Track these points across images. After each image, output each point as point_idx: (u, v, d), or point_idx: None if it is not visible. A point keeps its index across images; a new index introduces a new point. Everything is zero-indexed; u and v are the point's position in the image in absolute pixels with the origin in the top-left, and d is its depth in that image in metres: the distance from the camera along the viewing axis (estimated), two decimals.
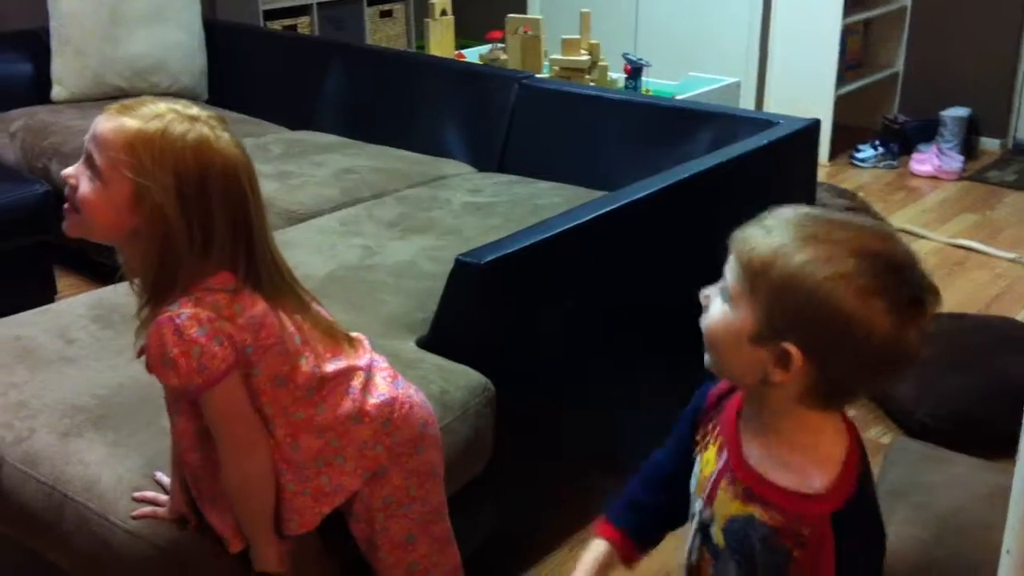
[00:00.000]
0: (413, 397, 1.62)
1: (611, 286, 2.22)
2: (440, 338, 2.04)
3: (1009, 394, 2.53)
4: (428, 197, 2.93)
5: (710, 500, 1.21)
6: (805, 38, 4.77)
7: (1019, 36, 4.82)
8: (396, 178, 3.12)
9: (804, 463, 1.14)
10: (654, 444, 1.38)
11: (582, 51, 3.83)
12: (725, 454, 1.20)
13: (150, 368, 1.41)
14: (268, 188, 2.79)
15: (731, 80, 4.13)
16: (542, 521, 2.29)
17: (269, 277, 1.45)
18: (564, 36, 3.85)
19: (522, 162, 3.23)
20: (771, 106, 4.87)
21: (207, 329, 1.36)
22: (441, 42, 4.25)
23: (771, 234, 1.08)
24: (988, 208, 4.33)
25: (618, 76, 3.98)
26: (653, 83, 4.00)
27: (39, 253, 3.06)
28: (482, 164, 3.30)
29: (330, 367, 1.52)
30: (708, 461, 1.23)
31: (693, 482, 1.26)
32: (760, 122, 2.84)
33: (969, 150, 4.78)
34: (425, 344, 2.06)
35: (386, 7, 5.42)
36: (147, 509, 1.58)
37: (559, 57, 3.83)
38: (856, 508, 1.13)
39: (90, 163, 1.37)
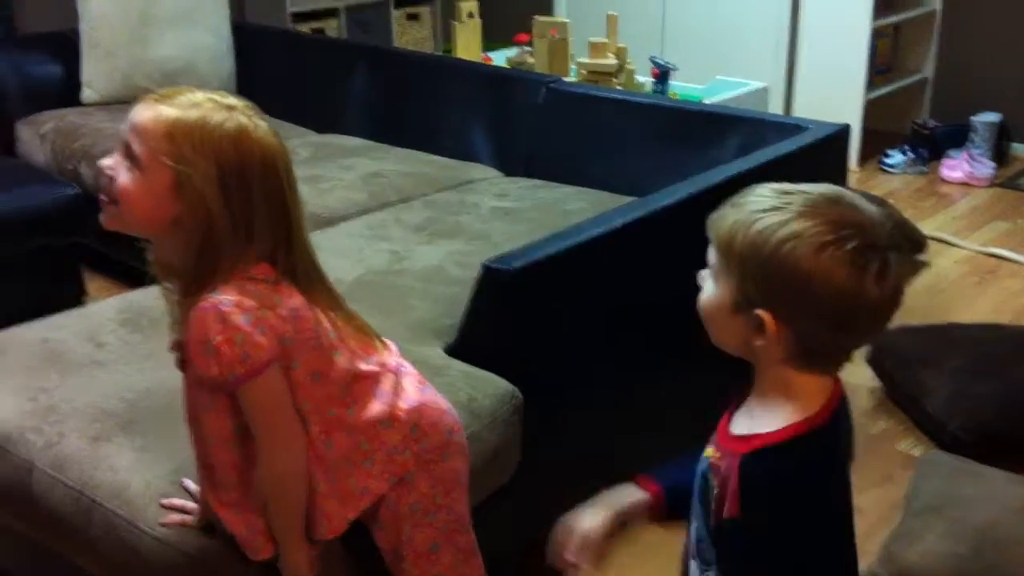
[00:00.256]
0: (441, 403, 1.61)
1: (639, 293, 2.21)
2: (467, 345, 2.03)
3: None
4: (455, 201, 2.92)
5: None
6: (834, 41, 4.74)
7: None
8: (423, 182, 3.12)
9: (764, 414, 1.18)
10: (684, 453, 1.37)
11: (609, 55, 3.82)
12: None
13: (190, 357, 1.39)
14: None
15: (759, 85, 4.11)
16: None
17: (305, 270, 1.45)
18: (591, 39, 3.84)
19: (548, 166, 3.22)
20: (799, 110, 4.84)
21: (251, 317, 1.35)
22: (468, 45, 4.25)
23: (736, 209, 1.14)
24: (1020, 216, 4.28)
25: (645, 80, 3.97)
26: (680, 87, 3.99)
27: (69, 255, 3.07)
28: (509, 168, 3.29)
29: (363, 365, 1.51)
30: None
31: None
32: (789, 127, 2.82)
33: (1000, 156, 4.72)
34: (452, 351, 2.05)
35: (413, 10, 5.42)
36: (176, 516, 1.58)
37: (586, 60, 3.82)
38: (769, 457, 1.15)
39: (128, 153, 1.36)
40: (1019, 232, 4.10)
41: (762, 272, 1.10)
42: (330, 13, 5.05)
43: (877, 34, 4.79)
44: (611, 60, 3.80)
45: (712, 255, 1.17)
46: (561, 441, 2.09)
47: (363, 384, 1.51)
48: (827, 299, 1.08)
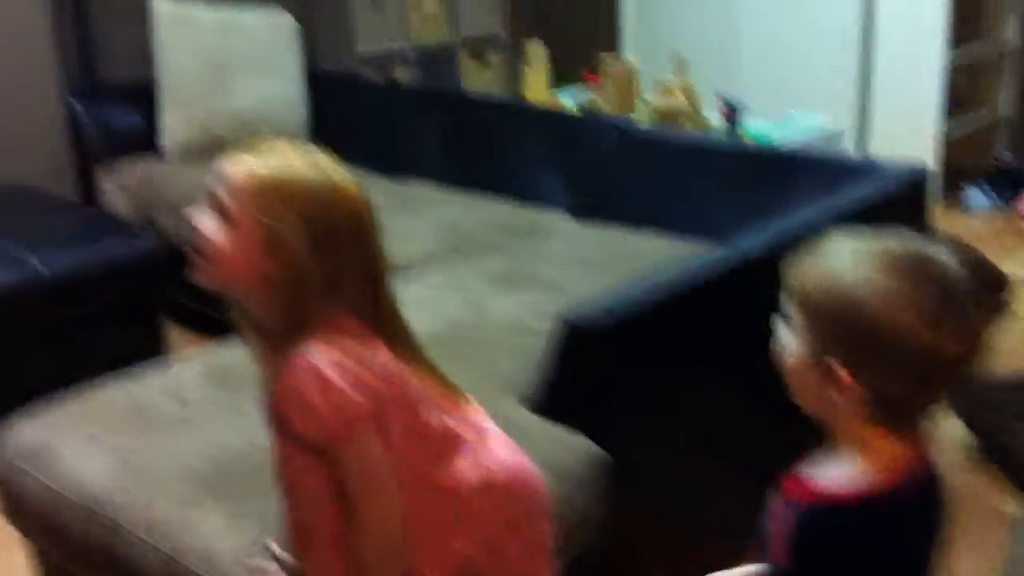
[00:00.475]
0: (526, 464, 1.59)
1: (726, 346, 2.17)
2: (549, 401, 2.01)
3: None
4: (529, 249, 2.92)
5: None
6: (909, 76, 4.66)
7: None
8: (496, 229, 3.12)
9: (834, 468, 1.17)
10: None
11: (677, 94, 3.80)
12: None
13: (283, 416, 1.38)
14: None
15: (832, 125, 4.06)
16: None
17: (391, 323, 1.44)
18: (660, 78, 3.83)
19: (620, 210, 3.20)
20: (873, 146, 4.76)
21: (346, 374, 1.33)
22: (537, 87, 4.26)
23: (813, 260, 1.15)
24: None
25: (715, 116, 3.94)
26: (751, 125, 3.95)
27: (149, 307, 3.10)
28: (581, 213, 3.28)
29: (450, 422, 1.50)
30: None
31: None
32: (865, 168, 2.77)
33: None
34: (534, 407, 2.03)
35: (481, 53, 5.45)
36: None
37: (654, 100, 3.81)
38: (829, 514, 1.14)
39: (219, 208, 1.36)
40: None
41: (838, 325, 1.10)
42: (399, 57, 5.09)
43: (953, 69, 4.71)
44: (681, 100, 3.78)
45: (789, 306, 1.17)
46: (649, 504, 2.05)
47: (451, 442, 1.50)
48: (904, 355, 1.08)
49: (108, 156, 3.77)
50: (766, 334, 2.18)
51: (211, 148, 3.84)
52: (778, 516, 1.19)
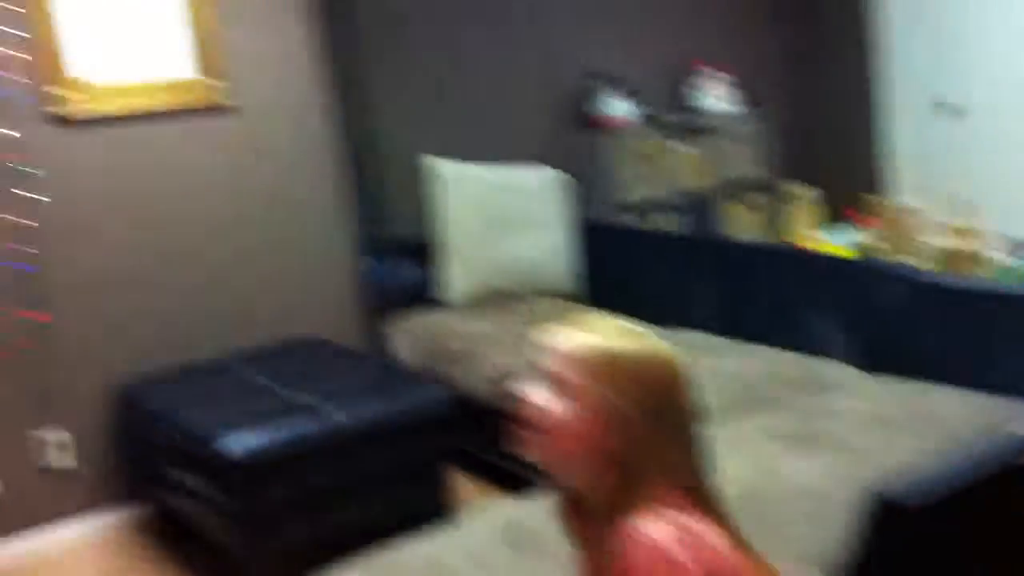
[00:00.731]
0: None
1: None
2: None
3: None
4: (817, 405, 2.81)
5: None
6: None
7: None
8: (778, 382, 3.04)
9: None
10: None
11: (965, 236, 3.63)
12: None
13: None
14: None
15: None
16: None
17: (707, 492, 1.42)
18: (942, 219, 3.68)
19: (911, 362, 3.04)
20: None
21: (686, 550, 1.31)
22: (803, 229, 4.20)
23: None
24: None
25: (1004, 258, 3.73)
26: None
27: (440, 459, 3.16)
28: (867, 364, 3.14)
29: None
30: None
31: None
32: None
33: None
34: None
35: (744, 196, 5.43)
36: None
37: (940, 242, 3.65)
38: None
39: (556, 385, 1.38)
40: None
41: None
42: (661, 203, 5.15)
43: None
44: (970, 242, 3.61)
45: None
46: None
47: None
48: None
49: (394, 308, 4.00)
50: None
51: (490, 299, 4.00)
52: None
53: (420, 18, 4.38)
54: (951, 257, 3.59)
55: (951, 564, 1.86)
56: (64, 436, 3.44)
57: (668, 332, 3.63)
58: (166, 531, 3.41)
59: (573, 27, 4.80)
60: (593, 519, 1.41)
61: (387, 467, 3.07)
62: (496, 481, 3.32)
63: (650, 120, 4.88)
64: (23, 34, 3.29)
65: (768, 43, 5.40)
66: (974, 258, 3.59)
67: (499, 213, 4.10)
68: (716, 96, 5.05)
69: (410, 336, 3.86)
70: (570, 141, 4.77)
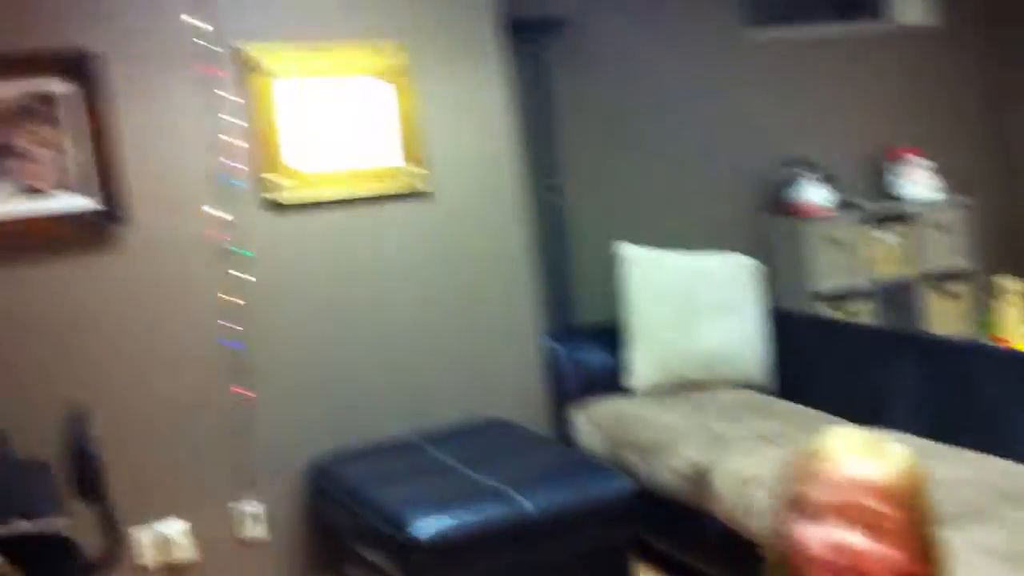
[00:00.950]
0: None
1: None
2: None
3: None
4: None
5: None
6: None
7: None
8: (991, 494, 2.84)
9: None
10: None
11: None
12: None
13: None
14: None
15: None
16: None
17: None
18: None
19: None
20: None
21: None
22: (1012, 326, 3.96)
23: None
24: None
25: None
26: None
27: (623, 549, 3.12)
28: None
29: None
30: None
31: None
32: None
33: None
34: None
35: (945, 286, 5.20)
36: None
37: None
38: None
39: (865, 519, 1.32)
40: None
41: None
42: (858, 293, 4.98)
43: None
44: None
45: None
46: None
47: None
48: None
49: (580, 394, 3.99)
50: None
51: (677, 388, 3.94)
52: None
53: (615, 107, 4.44)
54: None
55: None
56: (259, 508, 3.56)
57: (869, 431, 3.48)
58: None
59: (771, 111, 4.76)
60: None
61: (570, 555, 3.05)
62: (677, 574, 3.24)
63: (847, 206, 4.76)
64: (243, 123, 3.50)
65: (973, 129, 5.20)
66: None
67: (690, 300, 4.05)
68: (917, 183, 4.88)
69: (595, 423, 3.83)
70: (764, 227, 4.71)
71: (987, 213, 4.97)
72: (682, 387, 3.95)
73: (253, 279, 3.52)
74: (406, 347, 3.80)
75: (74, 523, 2.47)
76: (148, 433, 3.40)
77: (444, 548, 2.86)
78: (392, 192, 3.74)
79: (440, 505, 2.96)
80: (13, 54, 3.19)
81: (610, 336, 4.10)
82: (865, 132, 4.99)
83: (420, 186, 3.78)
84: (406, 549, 2.90)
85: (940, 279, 4.94)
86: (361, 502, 3.20)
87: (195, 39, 3.41)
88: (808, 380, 3.98)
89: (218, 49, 3.45)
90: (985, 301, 4.68)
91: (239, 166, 3.50)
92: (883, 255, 4.78)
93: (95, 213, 3.29)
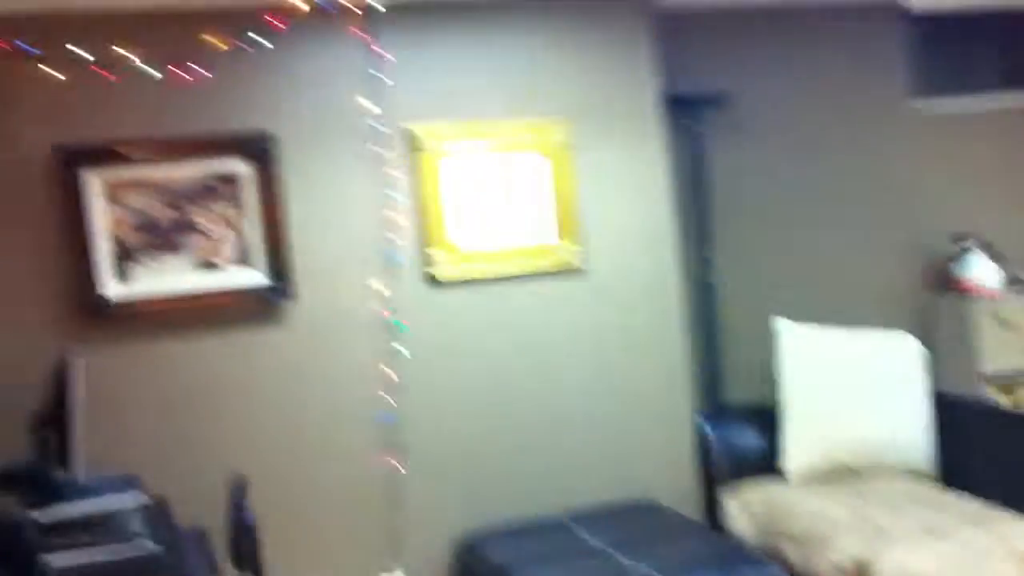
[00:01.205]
0: None
1: None
2: None
3: None
4: None
5: None
6: None
7: None
8: None
9: None
10: None
11: None
12: None
13: None
14: None
15: None
16: None
17: None
18: None
19: None
20: None
21: None
22: None
23: None
24: None
25: None
26: None
27: None
28: None
29: None
30: None
31: None
32: None
33: None
34: None
35: None
36: None
37: None
38: None
39: None
40: None
41: None
42: None
43: None
44: None
45: None
46: None
47: None
48: None
49: (732, 477, 3.90)
50: None
51: (834, 474, 3.81)
52: None
53: (772, 179, 4.37)
54: None
55: None
56: None
57: None
58: None
59: (936, 184, 4.60)
60: None
61: None
62: None
63: (1017, 283, 4.55)
64: (406, 199, 3.60)
65: None
66: None
67: (848, 381, 3.92)
68: None
69: (748, 508, 3.74)
70: (927, 304, 4.54)
71: None
72: (838, 473, 3.82)
73: (408, 353, 3.60)
74: (557, 424, 3.80)
75: None
76: (302, 502, 3.50)
77: None
78: (546, 270, 3.77)
79: None
80: (201, 136, 3.37)
81: (762, 416, 4.01)
82: None
83: (574, 263, 3.79)
84: None
85: None
86: None
87: (365, 120, 3.54)
88: (975, 470, 3.80)
89: (386, 130, 3.56)
90: None
91: (403, 242, 3.59)
92: None
93: (265, 288, 3.43)
